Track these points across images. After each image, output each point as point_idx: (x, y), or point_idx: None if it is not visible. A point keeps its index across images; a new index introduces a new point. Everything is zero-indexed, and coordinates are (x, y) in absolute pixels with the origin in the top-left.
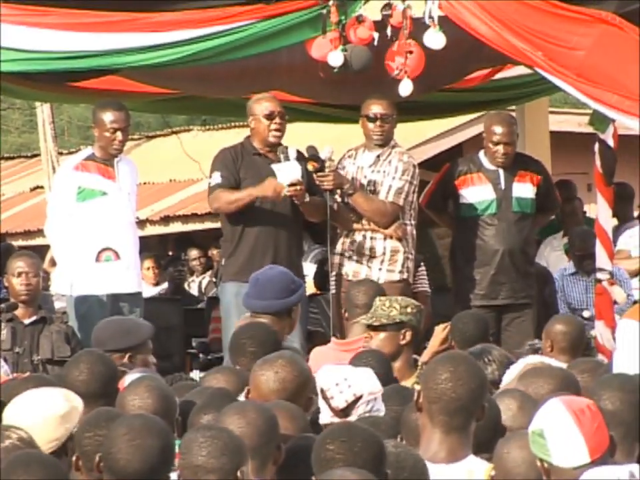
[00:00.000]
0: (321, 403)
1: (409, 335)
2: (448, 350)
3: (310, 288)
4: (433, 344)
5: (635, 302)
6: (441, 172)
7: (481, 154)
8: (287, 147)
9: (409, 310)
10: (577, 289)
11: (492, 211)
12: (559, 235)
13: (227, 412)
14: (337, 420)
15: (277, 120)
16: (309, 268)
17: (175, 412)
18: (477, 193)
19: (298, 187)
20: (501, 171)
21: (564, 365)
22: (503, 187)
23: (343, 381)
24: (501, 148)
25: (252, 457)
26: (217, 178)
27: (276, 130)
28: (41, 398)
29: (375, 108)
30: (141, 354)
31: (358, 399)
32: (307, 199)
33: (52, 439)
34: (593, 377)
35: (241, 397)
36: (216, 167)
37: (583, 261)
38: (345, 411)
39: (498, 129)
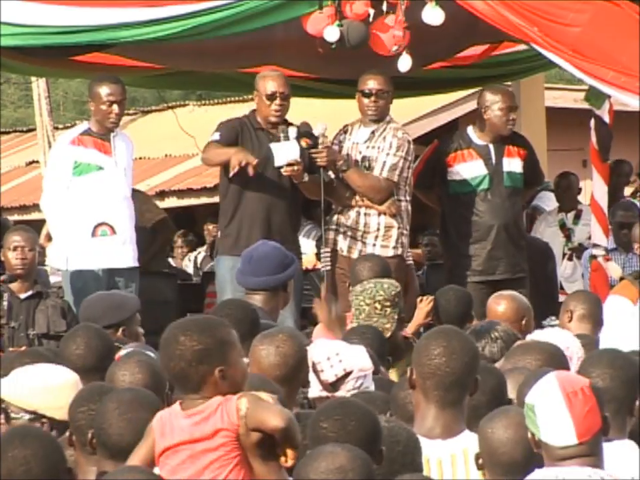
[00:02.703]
0: (311, 376)
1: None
2: (431, 323)
3: (312, 263)
4: (418, 316)
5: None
6: (429, 150)
7: (470, 130)
8: (287, 126)
9: (397, 300)
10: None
11: (485, 186)
12: (554, 211)
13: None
14: (325, 394)
15: (278, 101)
16: (304, 243)
17: (165, 386)
18: (468, 169)
19: (295, 167)
20: (491, 146)
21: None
22: (494, 162)
23: (335, 355)
24: (513, 114)
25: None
26: (216, 136)
27: (276, 111)
28: (46, 370)
29: (371, 83)
30: (132, 327)
31: (348, 374)
32: (306, 178)
33: (64, 406)
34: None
35: None
36: (219, 128)
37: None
38: (334, 386)
39: (505, 97)
